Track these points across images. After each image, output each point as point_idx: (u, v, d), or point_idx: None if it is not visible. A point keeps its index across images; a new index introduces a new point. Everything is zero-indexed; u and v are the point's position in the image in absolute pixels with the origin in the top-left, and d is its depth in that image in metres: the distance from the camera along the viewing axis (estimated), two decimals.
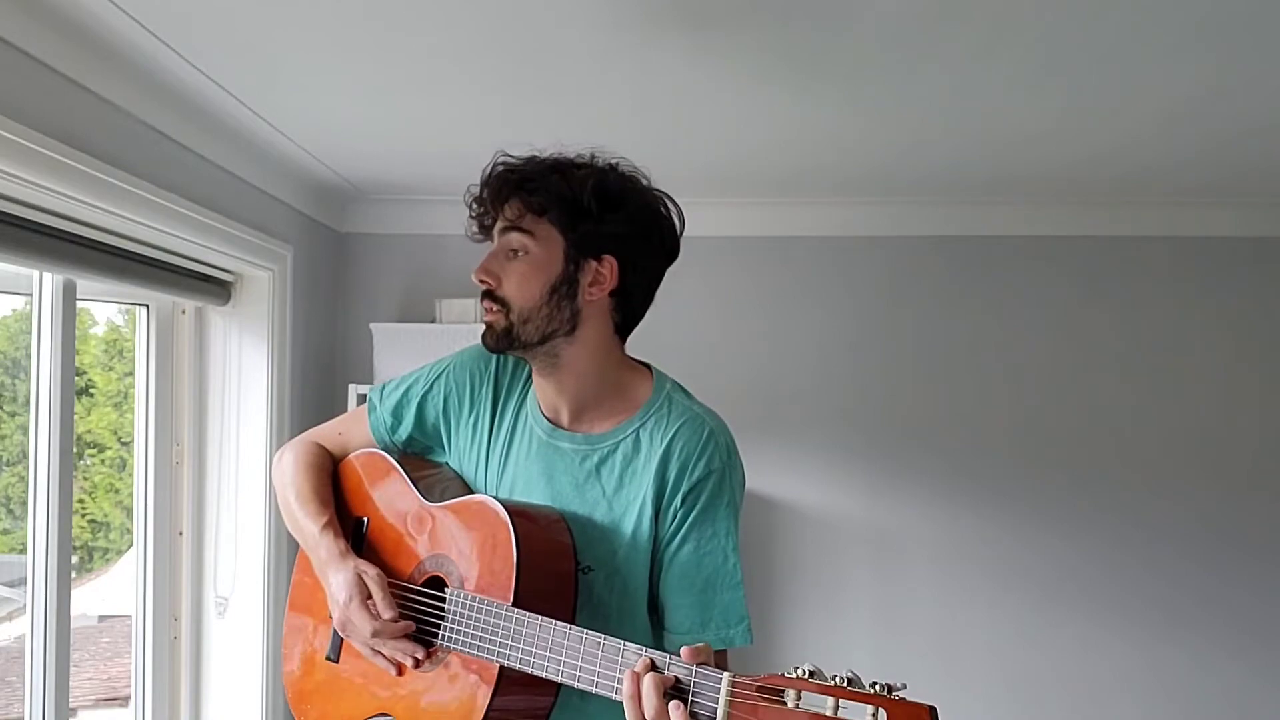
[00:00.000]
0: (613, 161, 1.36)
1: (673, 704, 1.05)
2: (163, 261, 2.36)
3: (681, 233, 1.40)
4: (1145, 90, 2.12)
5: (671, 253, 1.40)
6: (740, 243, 3.27)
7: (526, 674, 1.21)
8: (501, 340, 1.34)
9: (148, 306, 2.56)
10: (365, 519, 1.46)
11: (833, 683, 0.96)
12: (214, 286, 2.63)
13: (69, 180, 1.80)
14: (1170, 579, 3.21)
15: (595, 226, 1.31)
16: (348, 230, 3.32)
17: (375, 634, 1.31)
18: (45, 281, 2.06)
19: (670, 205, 1.39)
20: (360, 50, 1.93)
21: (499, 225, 1.35)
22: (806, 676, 0.98)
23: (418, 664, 1.32)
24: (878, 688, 0.93)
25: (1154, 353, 3.25)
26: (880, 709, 0.92)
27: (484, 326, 1.36)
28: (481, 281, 1.34)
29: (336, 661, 1.43)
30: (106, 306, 2.57)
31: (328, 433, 1.57)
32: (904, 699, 0.92)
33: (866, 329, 3.28)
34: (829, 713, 0.95)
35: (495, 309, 1.34)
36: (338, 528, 1.42)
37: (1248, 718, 3.20)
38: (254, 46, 1.91)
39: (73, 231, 2.00)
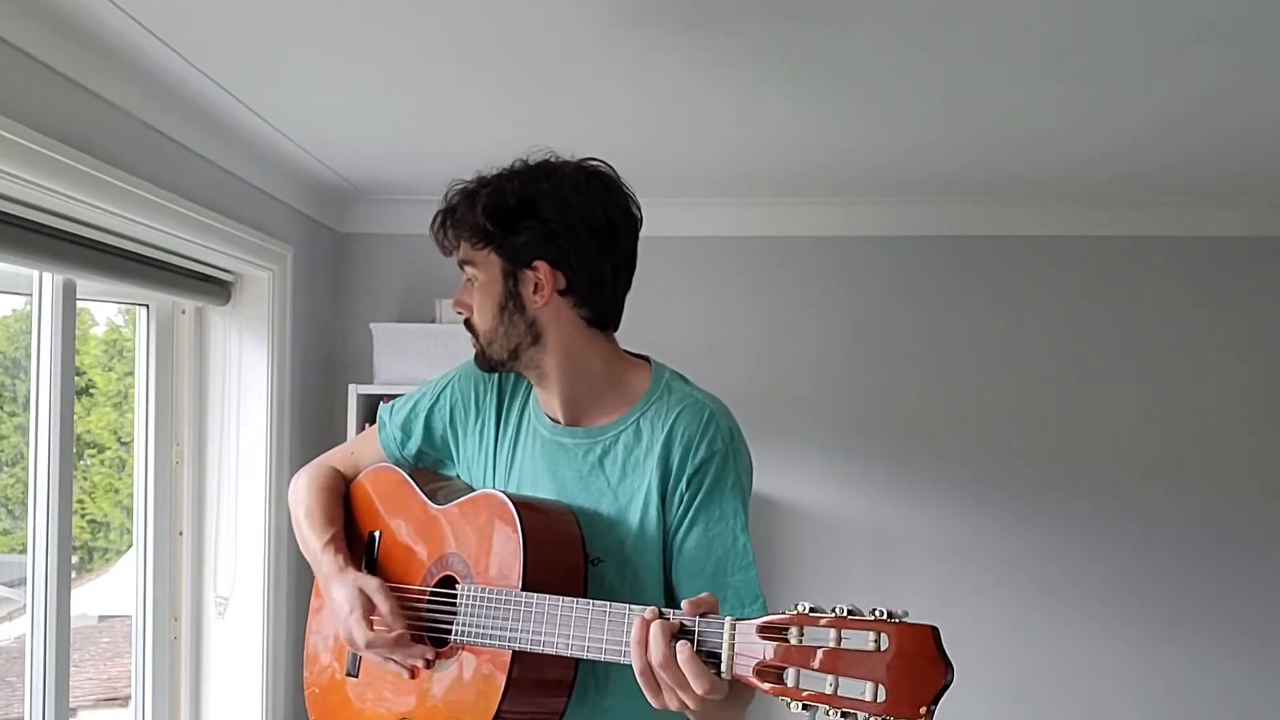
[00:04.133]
0: (529, 162, 1.36)
1: (680, 643, 1.05)
2: (163, 261, 2.36)
3: (620, 200, 1.36)
4: (1145, 90, 2.12)
5: (606, 231, 1.34)
6: (740, 243, 3.27)
7: (539, 658, 1.21)
8: (481, 363, 1.43)
9: (148, 306, 2.55)
10: (378, 532, 1.47)
11: (833, 614, 0.95)
12: (214, 286, 2.63)
13: (69, 180, 1.80)
14: (1170, 579, 3.21)
15: (510, 240, 1.33)
16: (348, 230, 3.32)
17: (369, 645, 1.33)
18: (45, 281, 2.06)
19: (589, 186, 1.34)
20: (360, 50, 1.93)
21: (457, 259, 1.40)
22: (807, 611, 0.97)
23: (429, 664, 1.32)
24: (878, 614, 0.93)
25: (1154, 352, 3.25)
26: (883, 633, 0.92)
27: None
28: (458, 313, 1.42)
29: (356, 676, 1.44)
30: (106, 306, 2.57)
31: (341, 454, 1.60)
32: (904, 622, 0.92)
33: (866, 329, 3.27)
34: (832, 644, 0.95)
35: (472, 336, 1.41)
36: (340, 543, 1.44)
37: (1248, 718, 3.20)
38: (254, 46, 1.91)
39: (73, 231, 2.00)
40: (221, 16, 1.76)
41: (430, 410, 1.50)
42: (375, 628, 1.33)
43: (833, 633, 0.95)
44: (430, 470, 1.53)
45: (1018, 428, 3.26)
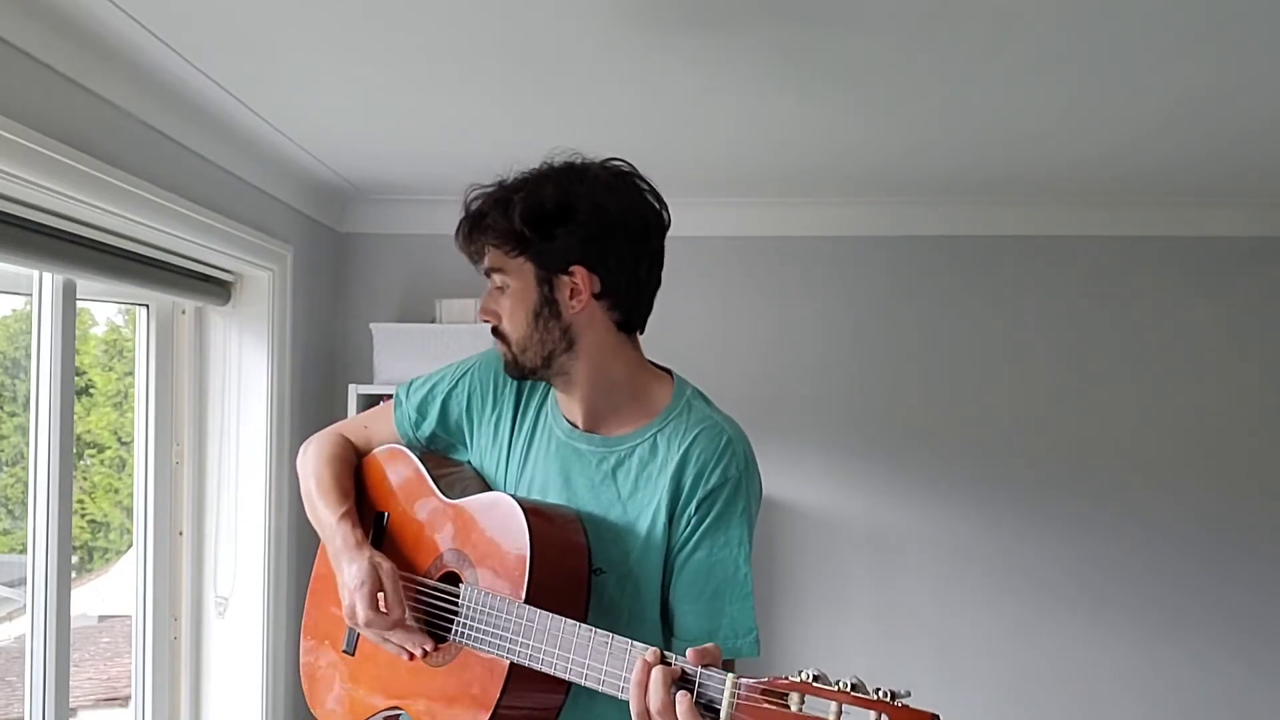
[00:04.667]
0: (555, 165, 1.35)
1: (680, 693, 1.05)
2: (163, 261, 2.36)
3: (650, 200, 1.36)
4: (1145, 90, 2.12)
5: (641, 232, 1.35)
6: (740, 243, 3.27)
7: (536, 672, 1.22)
8: (512, 371, 1.40)
9: (148, 306, 2.55)
10: (386, 514, 1.48)
11: (836, 687, 0.96)
12: (214, 286, 2.63)
13: (69, 180, 1.80)
14: (1170, 579, 3.21)
15: (548, 245, 1.31)
16: (348, 230, 3.32)
17: (368, 624, 1.32)
18: (45, 281, 2.06)
19: (621, 187, 1.34)
20: (360, 50, 1.93)
21: (484, 267, 1.38)
22: (810, 680, 0.98)
23: (425, 654, 1.32)
24: (881, 693, 0.93)
25: (1154, 352, 3.25)
26: (883, 715, 0.92)
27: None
28: (485, 321, 1.39)
29: (353, 655, 1.44)
30: (106, 306, 2.57)
31: (354, 426, 1.59)
32: (907, 706, 0.92)
33: (867, 329, 3.28)
34: (831, 717, 0.95)
35: (501, 344, 1.39)
36: (355, 518, 1.43)
37: (1248, 718, 3.20)
38: (254, 46, 1.91)
39: (73, 231, 1.99)
40: (221, 16, 1.76)
41: (448, 395, 1.49)
42: (379, 609, 1.32)
43: (834, 706, 0.95)
44: (441, 455, 1.52)
45: (1018, 428, 3.26)
